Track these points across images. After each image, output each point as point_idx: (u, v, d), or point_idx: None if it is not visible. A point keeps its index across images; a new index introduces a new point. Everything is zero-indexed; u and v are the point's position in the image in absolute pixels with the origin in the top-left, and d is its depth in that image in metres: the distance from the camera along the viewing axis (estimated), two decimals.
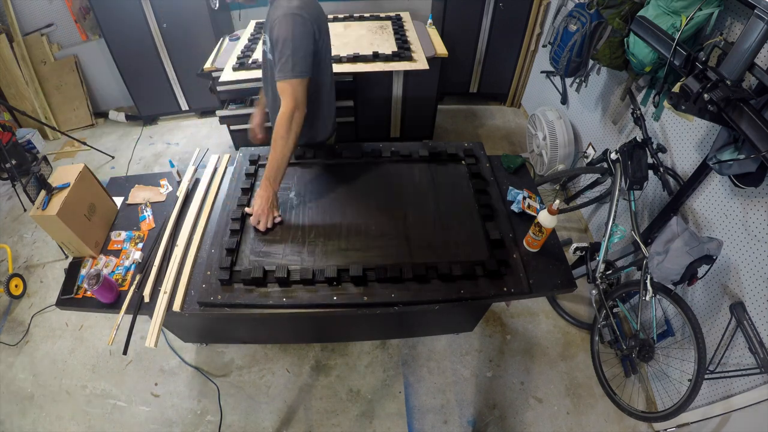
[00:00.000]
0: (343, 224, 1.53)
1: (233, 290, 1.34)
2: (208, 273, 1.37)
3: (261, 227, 1.48)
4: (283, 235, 1.50)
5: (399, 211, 1.58)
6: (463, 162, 1.78)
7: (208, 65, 2.76)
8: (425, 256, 1.42)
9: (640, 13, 1.73)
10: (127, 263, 1.49)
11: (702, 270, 1.62)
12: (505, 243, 1.46)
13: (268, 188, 1.47)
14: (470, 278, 1.36)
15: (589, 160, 2.60)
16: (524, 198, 1.60)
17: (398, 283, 1.35)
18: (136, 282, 1.43)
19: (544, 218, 1.37)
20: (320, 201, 1.62)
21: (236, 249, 1.43)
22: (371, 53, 2.68)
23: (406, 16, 3.26)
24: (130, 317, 1.35)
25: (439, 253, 1.44)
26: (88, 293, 1.39)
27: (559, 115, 2.85)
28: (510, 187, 1.69)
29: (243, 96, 2.89)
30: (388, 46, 2.80)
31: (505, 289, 1.35)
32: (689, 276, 1.57)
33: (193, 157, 1.85)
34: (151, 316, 1.34)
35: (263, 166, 1.74)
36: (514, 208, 1.61)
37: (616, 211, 1.93)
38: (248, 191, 1.64)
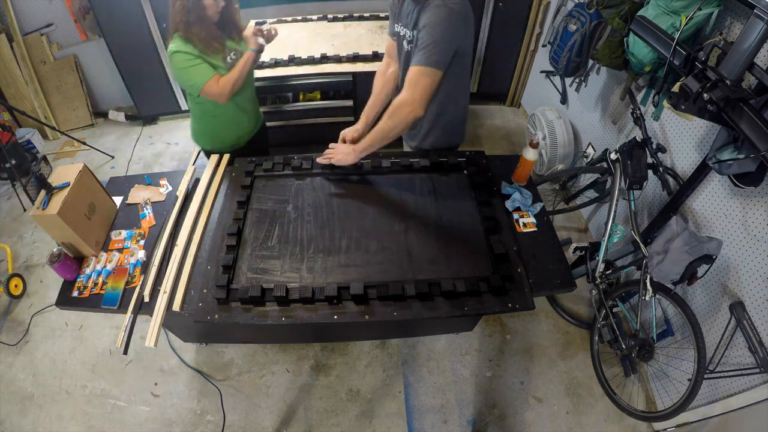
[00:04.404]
0: (343, 239, 1.50)
1: (230, 309, 1.32)
2: (205, 291, 1.35)
3: (330, 158, 1.64)
4: (281, 251, 1.47)
5: (400, 224, 1.55)
6: (465, 172, 1.75)
7: None
8: (428, 272, 1.40)
9: (640, 12, 1.73)
10: (132, 260, 1.49)
11: (702, 269, 1.62)
12: (509, 257, 1.42)
13: (352, 153, 1.59)
14: (474, 294, 1.34)
15: (588, 159, 2.60)
16: (518, 218, 1.61)
17: (400, 300, 1.33)
18: (141, 280, 1.43)
19: (527, 152, 1.60)
20: (319, 214, 1.59)
21: (233, 265, 1.40)
22: (371, 53, 2.68)
23: None
24: (131, 317, 1.35)
25: (442, 268, 1.41)
26: (84, 293, 1.39)
27: (558, 115, 2.85)
28: (503, 183, 1.68)
29: None
30: None
31: (510, 305, 1.33)
32: (689, 275, 1.57)
33: (192, 156, 1.85)
34: (151, 316, 1.34)
35: (258, 177, 1.72)
36: (509, 206, 1.61)
37: (615, 211, 1.93)
38: (244, 204, 1.60)
